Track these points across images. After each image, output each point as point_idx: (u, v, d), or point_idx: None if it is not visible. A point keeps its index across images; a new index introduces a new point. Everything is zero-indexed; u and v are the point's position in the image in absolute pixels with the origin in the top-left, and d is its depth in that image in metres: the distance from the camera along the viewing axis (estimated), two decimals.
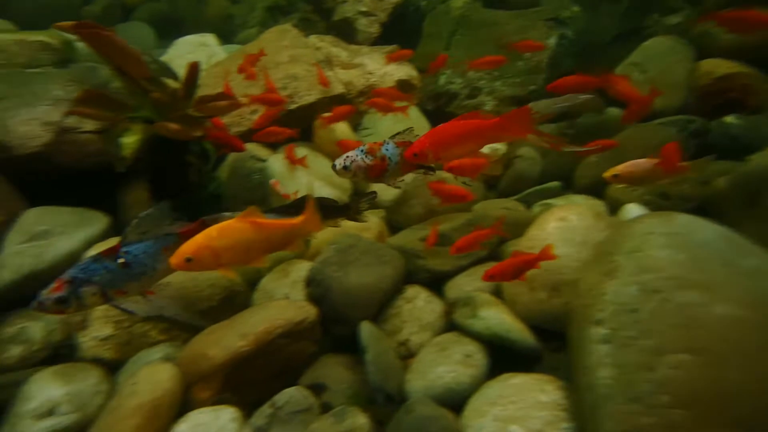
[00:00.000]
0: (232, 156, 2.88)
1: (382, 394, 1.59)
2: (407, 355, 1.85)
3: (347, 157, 1.91)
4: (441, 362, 1.67)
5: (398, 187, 2.06)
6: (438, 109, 3.41)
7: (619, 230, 1.56)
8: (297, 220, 1.58)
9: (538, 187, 2.65)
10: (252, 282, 2.17)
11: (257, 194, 2.75)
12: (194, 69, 2.19)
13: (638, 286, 1.35)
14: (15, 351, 1.88)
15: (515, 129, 1.66)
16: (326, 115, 2.78)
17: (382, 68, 3.50)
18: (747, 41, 2.69)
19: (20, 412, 1.53)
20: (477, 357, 1.68)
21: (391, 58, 3.34)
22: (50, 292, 1.45)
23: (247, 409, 1.64)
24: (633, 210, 2.21)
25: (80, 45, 3.24)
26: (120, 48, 1.89)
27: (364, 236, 2.14)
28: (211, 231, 1.45)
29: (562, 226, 1.88)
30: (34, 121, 2.28)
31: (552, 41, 3.26)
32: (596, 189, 2.53)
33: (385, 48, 3.93)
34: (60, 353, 1.96)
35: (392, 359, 1.75)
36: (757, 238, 1.88)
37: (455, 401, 1.57)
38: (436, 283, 2.10)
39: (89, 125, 2.32)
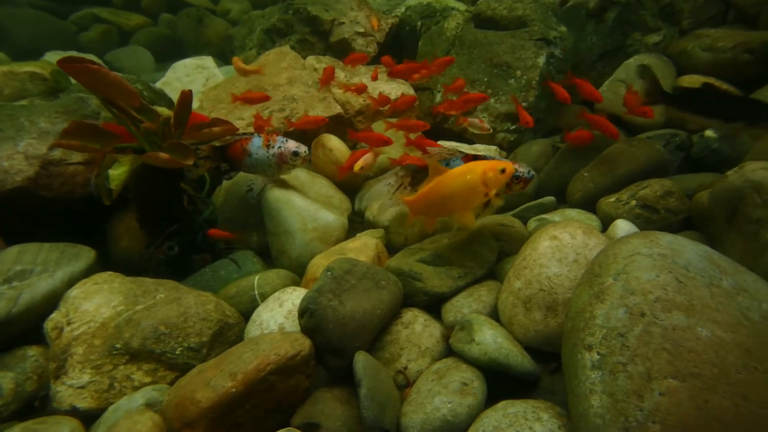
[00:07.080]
0: (226, 182, 2.88)
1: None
2: (406, 383, 1.80)
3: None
4: (438, 392, 1.61)
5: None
6: (435, 126, 3.42)
7: (608, 251, 1.52)
8: None
9: (533, 203, 2.64)
10: (246, 313, 2.12)
11: (252, 218, 2.72)
12: (185, 97, 2.14)
13: (626, 309, 1.31)
14: None
15: None
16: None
17: (379, 87, 3.50)
18: (719, 59, 2.96)
19: None
20: (475, 384, 1.63)
21: (375, 76, 3.48)
22: None
23: None
24: (622, 226, 2.20)
25: None
26: (109, 80, 1.84)
27: (361, 259, 2.06)
28: None
29: (555, 245, 1.85)
30: (18, 155, 2.21)
31: (541, 60, 3.30)
32: (589, 203, 2.56)
33: (382, 67, 3.94)
34: (33, 405, 1.86)
35: (389, 391, 1.68)
36: (736, 253, 1.88)
37: None
38: (434, 306, 2.05)
39: (77, 157, 2.27)
